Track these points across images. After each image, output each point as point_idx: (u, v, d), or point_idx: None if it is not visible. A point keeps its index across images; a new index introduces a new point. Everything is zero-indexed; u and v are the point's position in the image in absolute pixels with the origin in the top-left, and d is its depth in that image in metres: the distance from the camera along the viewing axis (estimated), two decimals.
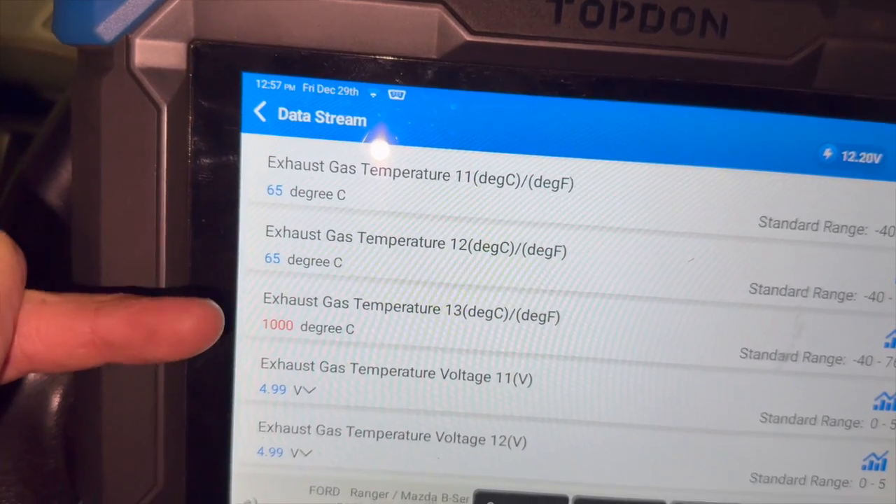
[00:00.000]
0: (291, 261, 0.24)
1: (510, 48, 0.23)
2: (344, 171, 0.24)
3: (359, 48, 0.23)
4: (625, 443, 0.26)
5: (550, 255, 0.24)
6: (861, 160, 0.24)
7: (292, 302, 0.24)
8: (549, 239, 0.24)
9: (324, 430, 0.25)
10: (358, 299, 0.24)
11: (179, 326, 0.21)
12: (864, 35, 0.23)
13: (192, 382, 0.24)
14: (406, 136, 0.23)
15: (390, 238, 0.24)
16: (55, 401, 0.29)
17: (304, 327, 0.25)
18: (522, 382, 0.25)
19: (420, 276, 0.24)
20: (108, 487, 0.25)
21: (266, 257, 0.24)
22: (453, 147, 0.24)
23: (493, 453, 0.26)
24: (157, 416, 0.24)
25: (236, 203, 0.24)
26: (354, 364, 0.25)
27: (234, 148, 0.23)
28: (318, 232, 0.24)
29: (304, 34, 0.23)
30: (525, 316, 0.25)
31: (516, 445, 0.26)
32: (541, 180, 0.24)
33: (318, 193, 0.24)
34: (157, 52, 0.22)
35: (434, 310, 0.25)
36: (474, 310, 0.25)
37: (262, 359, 0.25)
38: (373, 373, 0.25)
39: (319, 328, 0.25)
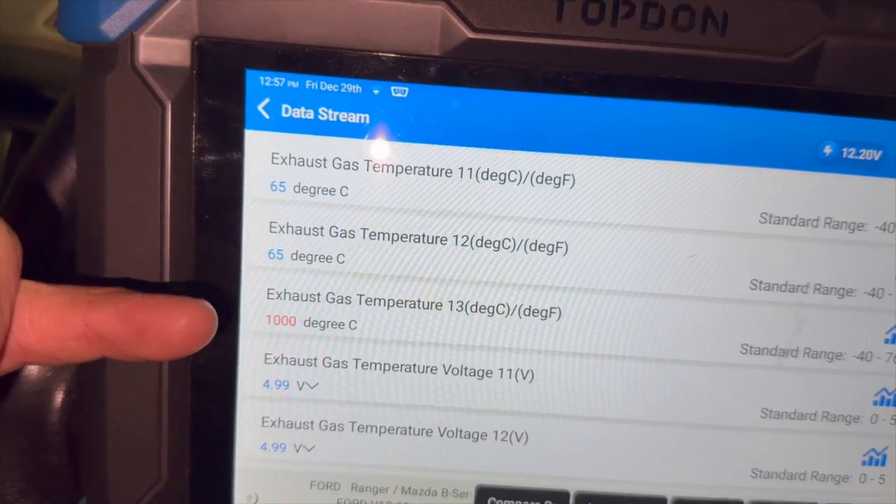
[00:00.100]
0: (294, 257, 0.24)
1: (512, 45, 0.23)
2: (347, 167, 0.24)
3: (362, 45, 0.23)
4: (626, 438, 0.26)
5: (552, 251, 0.25)
6: (861, 157, 0.24)
7: (295, 298, 0.24)
8: (551, 235, 0.24)
9: (326, 426, 0.25)
10: (360, 295, 0.25)
11: (171, 325, 0.20)
12: (864, 32, 0.23)
13: (195, 378, 0.24)
14: (408, 132, 0.24)
15: (393, 234, 0.24)
16: (58, 397, 0.29)
17: (307, 323, 0.25)
18: (524, 378, 0.25)
19: (422, 272, 0.24)
20: (111, 482, 0.25)
21: (269, 253, 0.24)
22: (455, 144, 0.24)
23: (494, 449, 0.26)
24: (161, 412, 0.25)
25: (240, 199, 0.24)
26: (357, 360, 0.25)
27: (238, 145, 0.23)
28: (321, 228, 0.24)
29: (308, 31, 0.23)
30: (527, 312, 0.25)
31: (518, 441, 0.26)
32: (542, 177, 0.24)
33: (321, 190, 0.24)
34: (162, 50, 0.23)
35: (436, 306, 0.25)
36: (476, 306, 0.25)
37: (266, 354, 0.25)
38: (375, 368, 0.25)
39: (322, 324, 0.25)
